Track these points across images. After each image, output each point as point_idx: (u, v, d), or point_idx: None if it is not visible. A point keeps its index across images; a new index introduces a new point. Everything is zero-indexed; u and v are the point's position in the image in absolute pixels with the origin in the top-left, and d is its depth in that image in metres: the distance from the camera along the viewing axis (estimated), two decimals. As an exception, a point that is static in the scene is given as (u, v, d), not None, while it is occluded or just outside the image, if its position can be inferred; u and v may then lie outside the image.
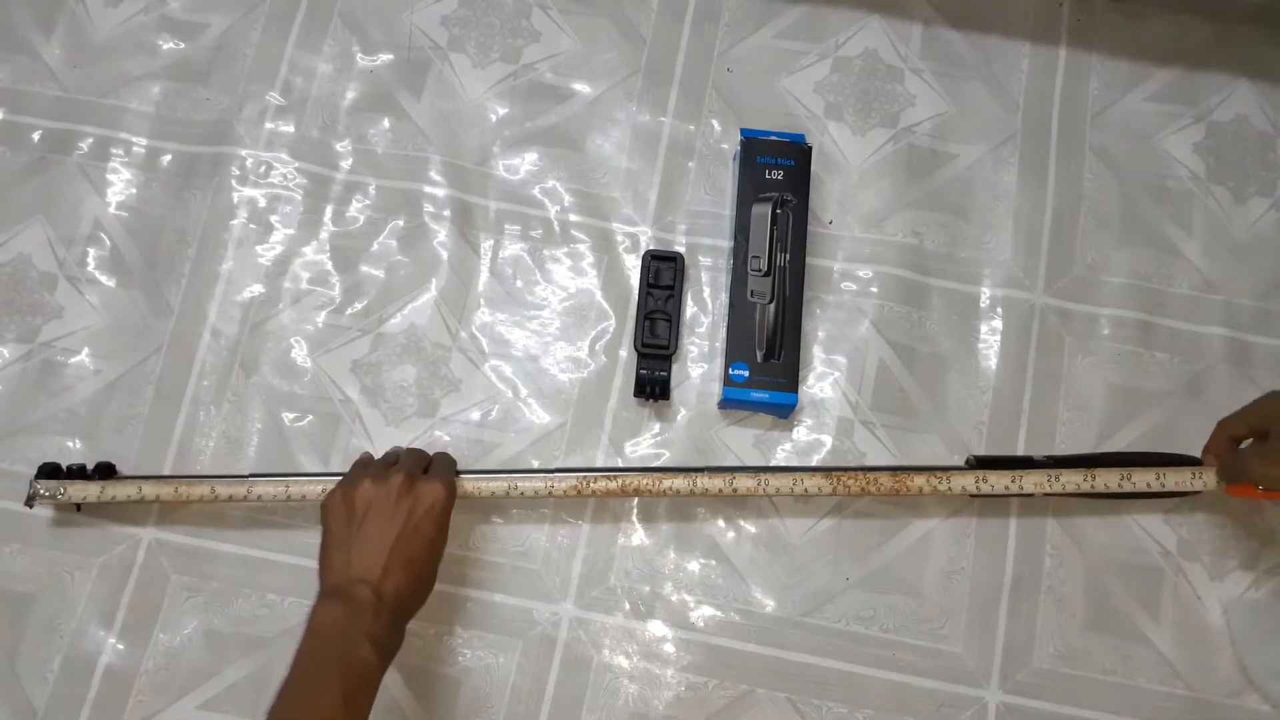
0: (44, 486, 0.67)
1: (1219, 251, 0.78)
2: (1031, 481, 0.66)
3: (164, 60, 0.80)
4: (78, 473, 0.68)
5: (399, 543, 0.56)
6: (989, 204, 0.79)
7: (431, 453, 0.65)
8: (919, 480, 0.67)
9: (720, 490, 0.66)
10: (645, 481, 0.67)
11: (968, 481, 0.66)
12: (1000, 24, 0.83)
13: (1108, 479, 0.66)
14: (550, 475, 0.67)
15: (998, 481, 0.66)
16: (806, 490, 0.67)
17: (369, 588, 0.54)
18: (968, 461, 0.71)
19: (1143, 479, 0.66)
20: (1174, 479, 0.66)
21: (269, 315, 0.75)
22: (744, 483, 0.67)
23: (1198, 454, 0.73)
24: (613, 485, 0.67)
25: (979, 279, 0.77)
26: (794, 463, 0.73)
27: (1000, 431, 0.74)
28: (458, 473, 0.66)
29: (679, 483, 0.67)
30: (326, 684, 0.50)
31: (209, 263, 0.76)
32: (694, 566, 0.71)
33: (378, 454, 0.72)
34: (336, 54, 0.81)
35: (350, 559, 0.55)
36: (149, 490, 0.67)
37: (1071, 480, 0.66)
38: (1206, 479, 0.66)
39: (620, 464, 0.73)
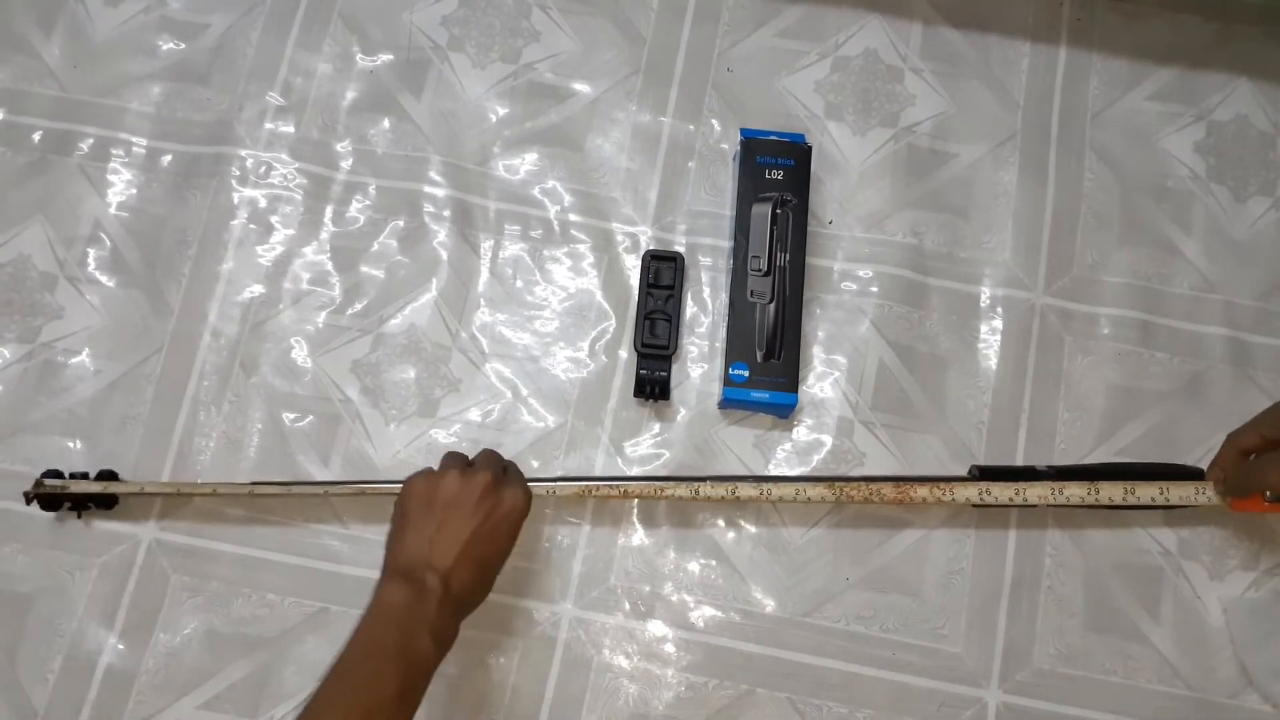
0: (48, 484, 0.67)
1: (1219, 251, 0.78)
2: (1035, 494, 0.65)
3: (164, 60, 0.80)
4: (80, 478, 0.68)
5: (474, 539, 0.56)
6: (989, 204, 0.79)
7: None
8: (922, 491, 0.66)
9: (723, 497, 0.66)
10: (648, 489, 0.67)
11: (971, 493, 0.66)
12: (1000, 23, 0.83)
13: (1111, 492, 0.65)
14: (553, 483, 0.67)
15: (1001, 493, 0.66)
16: (810, 499, 0.66)
17: (438, 576, 0.54)
18: (970, 472, 0.71)
19: (1146, 493, 0.65)
20: (1178, 493, 0.65)
21: (269, 315, 0.75)
22: (747, 491, 0.66)
23: (1198, 455, 0.74)
24: (615, 493, 0.67)
25: (979, 279, 0.77)
26: (794, 463, 0.73)
27: (1000, 431, 0.74)
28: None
29: (681, 490, 0.66)
30: (386, 671, 0.49)
31: (209, 263, 0.76)
32: (694, 566, 0.71)
33: (377, 453, 0.72)
34: (336, 54, 0.81)
35: (424, 544, 0.55)
36: (152, 489, 0.68)
37: (1075, 493, 0.65)
38: (1210, 495, 0.66)
39: (620, 464, 0.73)
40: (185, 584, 0.70)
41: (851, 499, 0.66)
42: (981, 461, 0.73)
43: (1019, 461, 0.73)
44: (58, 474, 0.69)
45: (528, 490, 0.60)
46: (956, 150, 0.80)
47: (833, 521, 0.72)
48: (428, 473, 0.59)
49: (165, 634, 0.69)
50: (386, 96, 0.80)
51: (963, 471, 0.72)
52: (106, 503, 0.70)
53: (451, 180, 0.78)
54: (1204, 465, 0.73)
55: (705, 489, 0.66)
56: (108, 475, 0.69)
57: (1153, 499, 0.65)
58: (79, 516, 0.70)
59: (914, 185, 0.79)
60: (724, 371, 0.71)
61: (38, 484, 0.67)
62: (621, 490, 0.67)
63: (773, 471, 0.73)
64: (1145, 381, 0.75)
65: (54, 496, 0.68)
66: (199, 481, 0.71)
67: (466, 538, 0.55)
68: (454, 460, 0.61)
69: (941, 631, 0.70)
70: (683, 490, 0.66)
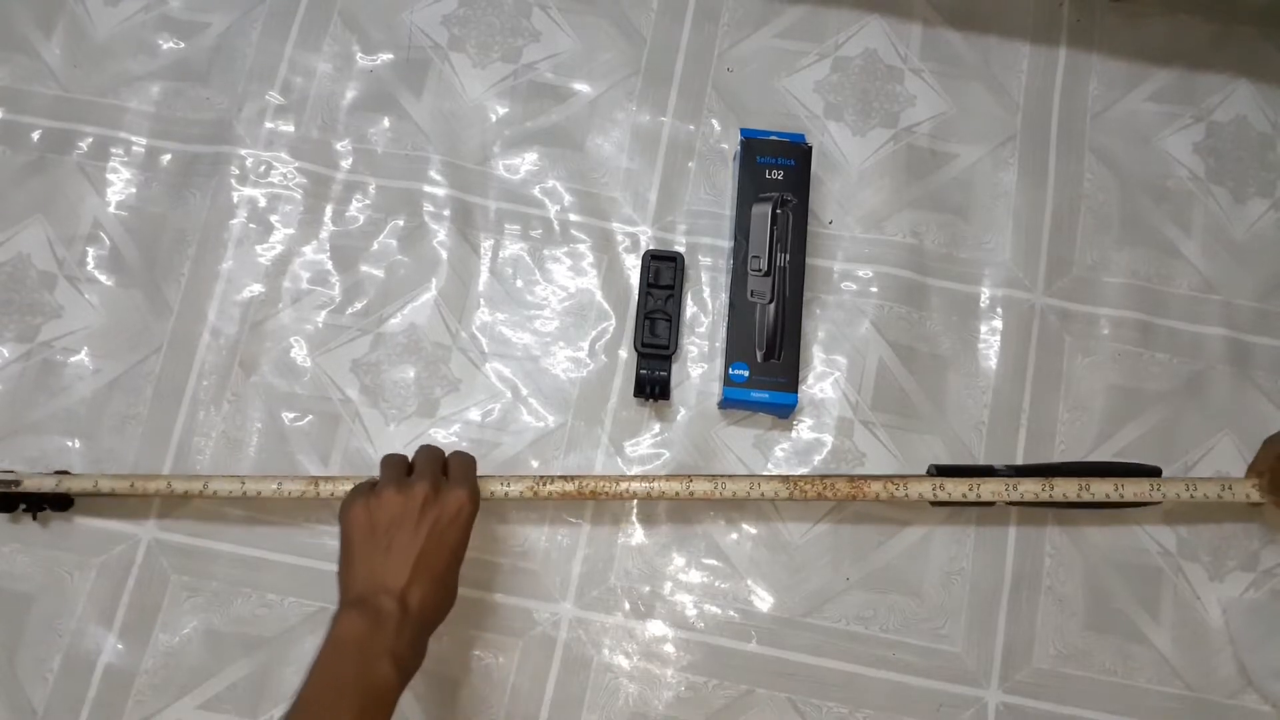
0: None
1: (1219, 252, 0.78)
2: (989, 489, 0.66)
3: (164, 60, 0.80)
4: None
5: (424, 554, 0.55)
6: (989, 204, 0.79)
7: (449, 451, 0.64)
8: (875, 486, 0.66)
9: (678, 494, 0.66)
10: (603, 484, 0.66)
11: (925, 488, 0.66)
12: (1000, 24, 0.83)
13: (1066, 488, 0.65)
14: (507, 479, 0.66)
15: (955, 489, 0.66)
16: (764, 494, 0.66)
17: (393, 598, 0.53)
18: (929, 471, 0.70)
19: (1101, 489, 0.66)
20: (1133, 490, 0.66)
21: (269, 315, 0.75)
22: (701, 486, 0.66)
23: (1198, 455, 0.74)
24: (569, 488, 0.66)
25: (979, 279, 0.77)
26: (794, 463, 0.73)
27: (1000, 432, 0.74)
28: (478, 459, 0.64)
29: (636, 485, 0.66)
30: (342, 703, 0.49)
31: (209, 262, 0.76)
32: (694, 566, 0.71)
33: (377, 453, 0.72)
34: (336, 53, 0.81)
35: (374, 569, 0.54)
36: (104, 484, 0.66)
37: (1029, 489, 0.65)
38: (1250, 493, 0.66)
39: (620, 464, 0.73)
40: (185, 584, 0.70)
41: (805, 493, 0.66)
42: (982, 460, 0.73)
43: (1019, 460, 0.74)
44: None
45: (473, 487, 0.59)
46: (956, 151, 0.80)
47: (833, 521, 0.72)
48: (364, 495, 0.58)
49: (165, 634, 0.69)
50: (386, 96, 0.80)
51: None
52: (61, 504, 0.69)
53: (451, 180, 0.78)
54: (1205, 465, 0.74)
55: (660, 484, 0.66)
56: (60, 475, 0.69)
57: (1108, 495, 0.66)
58: (34, 518, 0.69)
59: (914, 185, 0.79)
60: (724, 371, 0.71)
61: None
62: (577, 487, 0.66)
63: (772, 472, 0.73)
64: (1145, 382, 0.76)
65: (9, 497, 0.67)
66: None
67: (416, 553, 0.55)
68: (390, 472, 0.59)
69: (941, 631, 0.70)
70: (637, 486, 0.66)
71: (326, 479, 0.67)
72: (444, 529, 0.56)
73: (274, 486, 0.66)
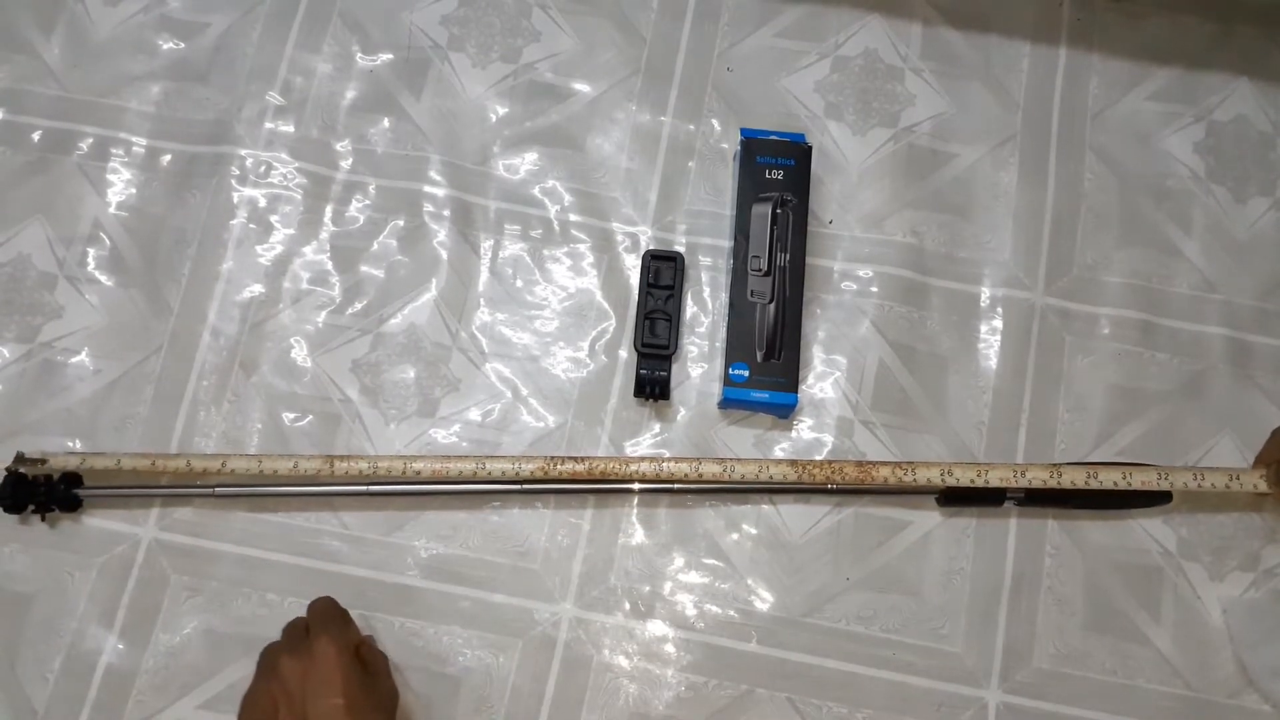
0: (23, 465, 0.67)
1: (1219, 251, 0.78)
2: (998, 476, 0.67)
3: (164, 60, 0.80)
4: (44, 481, 0.68)
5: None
6: (989, 204, 0.79)
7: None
8: (884, 471, 0.67)
9: (685, 475, 0.68)
10: (612, 465, 0.68)
11: (933, 474, 0.67)
12: (1000, 24, 0.83)
13: (1074, 475, 0.67)
14: (517, 459, 0.68)
15: (963, 475, 0.67)
16: (771, 477, 0.67)
17: None
18: (937, 500, 0.72)
19: (1109, 477, 0.67)
20: (1140, 478, 0.67)
21: (269, 315, 0.75)
22: (710, 468, 0.68)
23: (1198, 455, 0.74)
24: (579, 468, 0.68)
25: (979, 279, 0.77)
26: (794, 463, 0.73)
27: (1000, 431, 0.74)
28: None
29: (645, 467, 0.68)
30: None
31: (209, 262, 0.76)
32: (694, 566, 0.71)
33: (377, 453, 0.72)
34: (336, 54, 0.81)
35: None
36: (127, 462, 0.67)
37: (1038, 476, 0.67)
38: (1257, 483, 0.67)
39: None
40: (185, 584, 0.70)
41: (814, 477, 0.68)
42: (982, 459, 0.73)
43: (1019, 460, 0.74)
44: (23, 477, 0.68)
45: (329, 634, 0.58)
46: (956, 150, 0.80)
47: (833, 521, 0.72)
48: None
49: (165, 634, 0.69)
50: (386, 96, 0.80)
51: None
52: (69, 505, 0.69)
53: (451, 180, 0.78)
54: (1205, 465, 0.74)
55: (669, 465, 0.68)
56: (72, 477, 0.69)
57: (1115, 483, 0.67)
58: (43, 519, 0.69)
59: (914, 185, 0.79)
60: (724, 371, 0.71)
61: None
62: (587, 468, 0.68)
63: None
64: (1145, 381, 0.75)
65: (19, 499, 0.67)
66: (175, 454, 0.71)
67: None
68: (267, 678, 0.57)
69: (941, 631, 0.70)
70: (646, 467, 0.68)
71: (341, 458, 0.68)
72: (323, 685, 0.55)
73: (290, 465, 0.68)
